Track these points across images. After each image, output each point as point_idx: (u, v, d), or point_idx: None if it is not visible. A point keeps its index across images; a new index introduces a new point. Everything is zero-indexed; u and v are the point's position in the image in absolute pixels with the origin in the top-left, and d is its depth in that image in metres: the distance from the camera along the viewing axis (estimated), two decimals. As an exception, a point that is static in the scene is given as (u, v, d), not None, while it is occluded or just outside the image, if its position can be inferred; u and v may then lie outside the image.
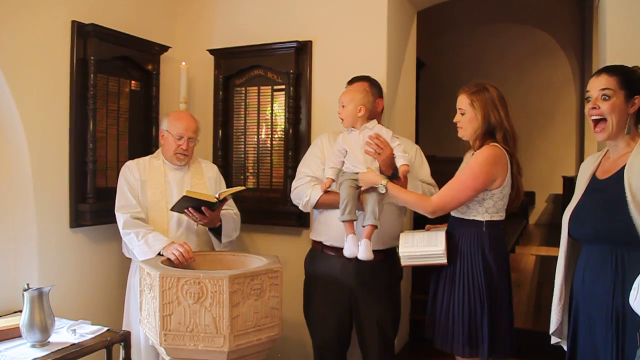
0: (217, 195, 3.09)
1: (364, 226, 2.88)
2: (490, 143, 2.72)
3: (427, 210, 2.75)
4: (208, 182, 3.41)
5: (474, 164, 2.68)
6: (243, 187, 3.31)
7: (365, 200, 2.91)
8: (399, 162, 2.95)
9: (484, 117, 2.73)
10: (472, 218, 2.76)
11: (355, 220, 2.90)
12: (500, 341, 2.69)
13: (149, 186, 3.26)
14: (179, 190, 3.27)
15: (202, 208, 3.08)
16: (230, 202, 3.44)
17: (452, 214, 2.84)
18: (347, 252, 2.90)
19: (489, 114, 2.73)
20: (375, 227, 2.86)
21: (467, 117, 2.78)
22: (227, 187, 3.58)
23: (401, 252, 2.81)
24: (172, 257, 2.95)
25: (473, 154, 2.81)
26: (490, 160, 2.66)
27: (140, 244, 3.08)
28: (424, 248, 2.77)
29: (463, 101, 2.79)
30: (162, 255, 3.00)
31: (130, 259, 3.31)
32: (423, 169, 3.26)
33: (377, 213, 2.85)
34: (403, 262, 2.83)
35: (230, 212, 3.38)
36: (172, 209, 3.13)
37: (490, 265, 2.69)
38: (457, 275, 2.73)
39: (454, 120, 2.85)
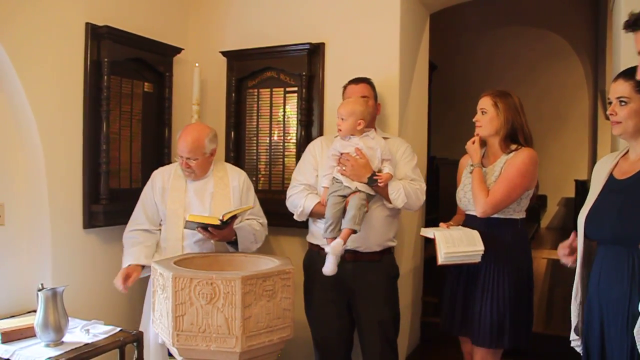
0: (220, 217, 3.00)
1: (342, 229, 2.93)
2: (524, 145, 2.91)
3: (480, 204, 2.84)
4: (232, 191, 3.34)
5: (521, 163, 2.83)
6: (250, 207, 3.29)
7: (349, 204, 2.96)
8: (384, 170, 3.03)
9: (506, 118, 2.90)
10: (509, 217, 2.89)
11: (337, 236, 2.94)
12: (530, 331, 2.91)
13: (169, 194, 3.28)
14: (198, 200, 3.27)
15: (209, 229, 3.06)
16: (259, 210, 3.44)
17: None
18: (325, 270, 2.94)
19: (512, 117, 2.90)
20: (354, 231, 2.91)
21: (488, 116, 2.93)
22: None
23: (444, 252, 2.77)
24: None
25: (484, 155, 2.85)
26: (533, 160, 2.86)
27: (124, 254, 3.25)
28: (465, 248, 2.79)
29: (486, 102, 2.95)
30: None
31: None
32: (410, 164, 3.23)
33: (357, 219, 2.90)
34: (443, 262, 2.79)
35: (251, 223, 3.33)
36: (185, 227, 3.12)
37: (531, 260, 2.94)
38: (504, 272, 2.85)
39: (474, 120, 2.99)
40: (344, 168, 3.03)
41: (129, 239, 3.27)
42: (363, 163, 3.01)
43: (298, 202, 3.22)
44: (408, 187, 3.09)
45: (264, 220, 3.46)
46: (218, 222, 3.00)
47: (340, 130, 3.10)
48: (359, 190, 2.98)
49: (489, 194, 2.83)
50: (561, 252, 2.53)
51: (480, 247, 2.77)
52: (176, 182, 3.30)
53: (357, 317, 3.25)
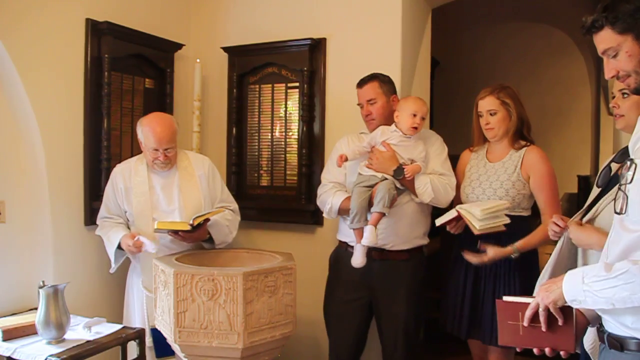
0: (191, 222, 2.95)
1: (371, 212, 2.91)
2: (531, 143, 2.93)
3: None
4: (199, 180, 3.26)
5: (547, 167, 2.87)
6: (221, 210, 3.19)
7: (378, 189, 2.93)
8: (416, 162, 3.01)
9: (518, 113, 2.88)
10: (518, 214, 2.90)
11: (364, 225, 2.92)
12: None
13: (133, 194, 3.16)
14: (166, 197, 3.17)
15: (180, 233, 3.01)
16: (228, 196, 3.39)
17: None
18: (354, 262, 2.94)
19: (521, 111, 2.89)
20: (383, 214, 2.88)
21: (498, 116, 2.90)
22: (243, 184, 3.53)
23: (480, 211, 2.74)
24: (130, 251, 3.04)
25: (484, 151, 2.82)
26: (547, 157, 2.90)
27: (106, 242, 3.15)
28: (493, 204, 2.79)
29: (492, 102, 2.89)
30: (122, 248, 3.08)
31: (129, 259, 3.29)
32: (439, 158, 3.16)
33: (386, 201, 2.86)
34: (482, 225, 2.74)
35: (223, 214, 3.26)
36: (155, 232, 3.04)
37: (537, 255, 2.93)
38: (514, 270, 2.84)
39: (484, 124, 2.94)
40: (371, 162, 3.02)
41: (106, 222, 3.22)
42: (389, 156, 2.99)
43: (327, 199, 3.19)
44: (436, 181, 3.03)
45: (235, 206, 3.39)
46: (188, 227, 2.96)
47: (416, 128, 3.02)
48: (386, 179, 2.97)
49: (549, 218, 2.72)
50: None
51: (504, 201, 2.81)
52: (138, 181, 3.18)
53: (379, 317, 3.21)
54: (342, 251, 3.16)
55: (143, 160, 3.23)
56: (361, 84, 3.25)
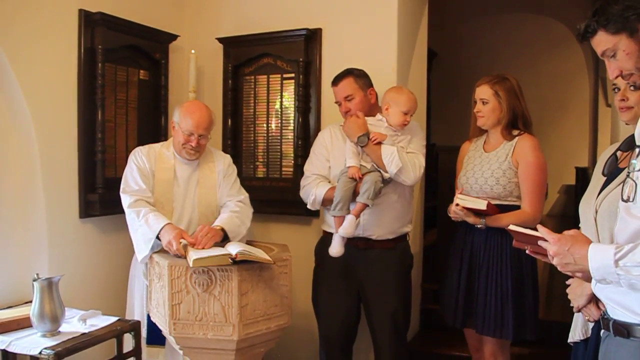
0: (233, 255, 2.59)
1: (355, 202, 2.94)
2: (524, 132, 2.93)
3: (530, 222, 2.76)
4: (217, 177, 3.24)
5: (535, 158, 2.86)
6: (271, 262, 2.69)
7: (365, 179, 2.94)
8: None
9: (509, 106, 2.89)
10: (512, 204, 2.91)
11: (346, 214, 2.94)
12: (536, 322, 2.92)
13: (156, 179, 3.11)
14: (184, 189, 3.14)
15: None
16: (239, 190, 3.31)
17: (491, 200, 2.89)
18: (332, 251, 2.95)
19: (513, 104, 2.90)
20: (367, 205, 2.91)
21: (489, 106, 2.92)
22: (239, 175, 3.45)
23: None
24: (167, 249, 2.79)
25: (485, 141, 2.80)
26: (540, 147, 2.90)
27: (141, 224, 2.89)
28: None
29: (486, 91, 2.93)
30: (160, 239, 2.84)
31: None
32: (415, 142, 3.15)
33: (370, 193, 2.89)
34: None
35: (233, 209, 3.15)
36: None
37: None
38: (507, 261, 2.86)
39: (475, 111, 2.98)
40: (342, 126, 3.07)
41: (142, 206, 2.96)
42: (361, 123, 3.01)
43: (310, 190, 3.20)
44: (403, 154, 3.00)
45: (243, 197, 3.27)
46: (229, 262, 2.63)
47: (406, 124, 3.06)
48: (370, 171, 2.97)
49: (529, 205, 2.86)
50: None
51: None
52: (163, 167, 3.13)
53: (367, 307, 3.22)
54: (328, 240, 3.15)
55: (169, 148, 3.20)
56: (336, 81, 3.24)
